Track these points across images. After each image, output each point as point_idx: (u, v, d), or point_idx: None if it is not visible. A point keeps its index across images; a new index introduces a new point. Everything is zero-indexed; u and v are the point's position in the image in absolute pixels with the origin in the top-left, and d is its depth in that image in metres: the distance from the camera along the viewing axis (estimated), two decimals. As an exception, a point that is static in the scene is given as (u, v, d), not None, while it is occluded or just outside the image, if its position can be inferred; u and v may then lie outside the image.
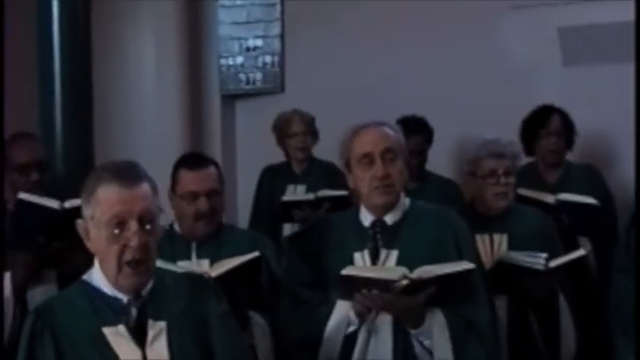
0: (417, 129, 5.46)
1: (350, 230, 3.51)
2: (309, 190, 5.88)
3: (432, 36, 6.50)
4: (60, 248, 3.93)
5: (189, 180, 3.80)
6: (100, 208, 2.71)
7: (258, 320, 3.64)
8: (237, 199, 6.81)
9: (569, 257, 4.07)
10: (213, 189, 3.80)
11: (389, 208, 3.48)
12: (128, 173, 2.75)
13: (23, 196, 3.98)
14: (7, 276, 4.03)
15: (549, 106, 5.39)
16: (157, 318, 2.78)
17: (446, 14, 6.46)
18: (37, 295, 3.99)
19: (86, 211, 2.76)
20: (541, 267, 3.98)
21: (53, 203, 3.90)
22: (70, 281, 2.93)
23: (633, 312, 3.50)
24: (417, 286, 3.21)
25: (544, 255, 4.00)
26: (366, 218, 3.50)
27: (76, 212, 3.61)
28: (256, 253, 3.57)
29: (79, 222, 2.79)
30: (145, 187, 2.75)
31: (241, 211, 6.61)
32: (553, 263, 4.00)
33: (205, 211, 3.77)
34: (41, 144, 4.51)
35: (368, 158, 3.42)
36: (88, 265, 2.85)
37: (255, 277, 3.60)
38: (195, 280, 2.99)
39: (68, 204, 3.84)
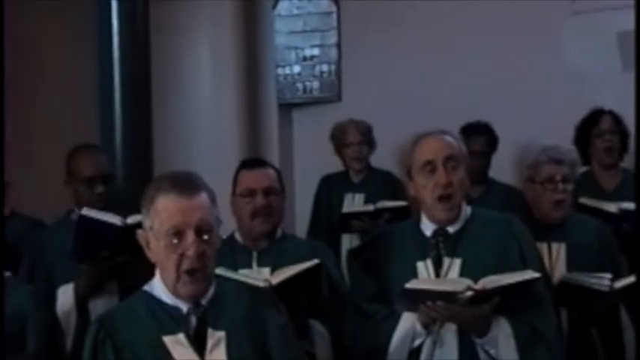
0: (480, 131, 5.48)
1: (412, 240, 3.50)
2: (367, 199, 5.88)
3: (491, 43, 6.47)
4: (123, 262, 3.98)
5: (248, 178, 3.87)
6: (158, 219, 2.75)
7: (318, 328, 3.64)
8: (294, 208, 6.82)
9: (635, 278, 3.99)
10: (270, 187, 3.84)
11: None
12: (186, 184, 2.78)
13: (86, 212, 4.02)
14: (70, 287, 4.10)
15: (599, 109, 5.33)
16: (216, 327, 2.80)
17: (505, 21, 6.43)
18: (99, 306, 4.04)
19: (146, 221, 2.80)
20: (606, 288, 3.92)
21: (116, 219, 3.94)
22: (131, 293, 2.96)
23: None
24: (481, 296, 3.19)
25: (608, 275, 3.94)
26: (428, 227, 3.49)
27: (139, 227, 3.68)
28: (316, 261, 3.58)
29: (140, 232, 2.84)
30: (203, 197, 2.78)
31: (299, 219, 6.62)
32: (618, 284, 3.93)
33: (262, 207, 3.80)
34: (106, 156, 4.56)
35: (430, 166, 3.41)
36: (150, 278, 2.88)
37: (315, 285, 3.61)
38: (254, 291, 3.01)
39: (131, 220, 3.88)
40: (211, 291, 2.84)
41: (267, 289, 3.42)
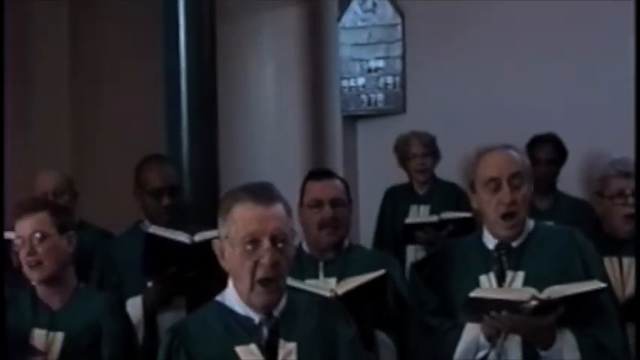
0: (546, 139, 5.47)
1: (474, 254, 3.49)
2: (432, 211, 5.86)
3: (558, 56, 6.40)
4: (191, 278, 4.02)
5: (315, 189, 3.89)
6: (234, 227, 2.78)
7: (384, 339, 3.65)
8: (359, 220, 6.82)
9: None
10: (337, 198, 3.87)
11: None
12: (263, 193, 2.82)
13: (153, 230, 4.08)
14: (139, 300, 4.15)
15: None
16: (287, 338, 2.83)
17: (572, 32, 6.37)
18: (167, 320, 4.09)
19: (222, 230, 2.84)
20: None
21: (183, 237, 4.00)
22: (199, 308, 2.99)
23: None
24: (546, 306, 3.16)
25: None
26: (490, 241, 3.47)
27: (206, 244, 3.71)
28: (382, 271, 3.58)
29: (215, 242, 2.87)
30: (279, 207, 2.82)
31: (363, 231, 6.61)
32: None
33: (329, 219, 3.83)
34: (174, 168, 4.61)
35: (495, 183, 3.39)
36: (219, 292, 2.91)
37: (381, 296, 3.61)
38: (325, 303, 3.03)
39: (198, 237, 3.95)
40: (283, 302, 2.87)
41: (335, 300, 3.42)
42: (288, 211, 2.86)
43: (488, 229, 3.48)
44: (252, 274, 2.77)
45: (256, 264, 2.76)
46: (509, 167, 3.40)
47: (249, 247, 2.76)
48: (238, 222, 2.78)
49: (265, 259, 2.75)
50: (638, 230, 3.47)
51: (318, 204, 3.84)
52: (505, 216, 3.38)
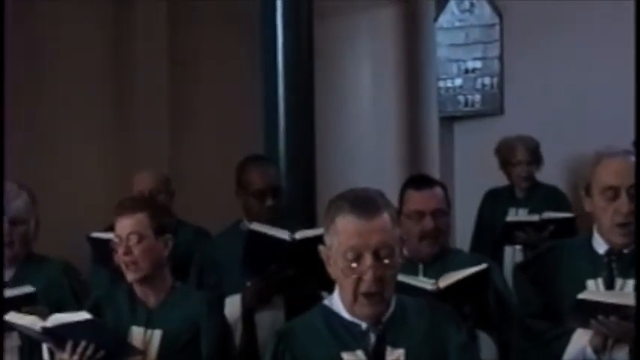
0: None
1: (583, 257, 3.41)
2: (531, 214, 5.77)
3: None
4: (290, 276, 4.02)
5: (416, 199, 3.82)
6: (337, 239, 2.72)
7: (485, 339, 3.62)
8: (455, 221, 6.75)
9: None
10: (438, 209, 3.81)
11: None
12: (366, 204, 2.72)
13: (255, 226, 4.09)
14: (237, 298, 4.17)
15: None
16: (395, 345, 2.77)
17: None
18: (265, 319, 4.11)
19: (327, 239, 2.77)
20: None
21: (284, 234, 3.99)
22: (297, 307, 2.96)
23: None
24: None
25: None
26: (601, 246, 3.39)
27: (306, 243, 3.68)
28: (484, 265, 3.55)
29: (321, 248, 2.80)
30: (384, 218, 2.73)
31: (459, 233, 6.56)
32: None
33: (430, 230, 3.77)
34: (275, 169, 4.62)
35: (613, 191, 3.30)
36: (317, 292, 2.89)
37: (482, 293, 3.57)
38: (435, 308, 2.95)
39: (299, 235, 3.94)
40: (391, 307, 2.80)
41: (447, 306, 3.36)
42: (395, 219, 2.77)
43: (601, 234, 3.39)
44: (355, 287, 2.70)
45: (359, 279, 2.69)
46: (630, 176, 3.29)
47: (352, 264, 2.69)
48: (340, 235, 2.70)
49: (368, 275, 2.67)
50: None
51: (420, 215, 3.78)
52: (621, 225, 3.30)
